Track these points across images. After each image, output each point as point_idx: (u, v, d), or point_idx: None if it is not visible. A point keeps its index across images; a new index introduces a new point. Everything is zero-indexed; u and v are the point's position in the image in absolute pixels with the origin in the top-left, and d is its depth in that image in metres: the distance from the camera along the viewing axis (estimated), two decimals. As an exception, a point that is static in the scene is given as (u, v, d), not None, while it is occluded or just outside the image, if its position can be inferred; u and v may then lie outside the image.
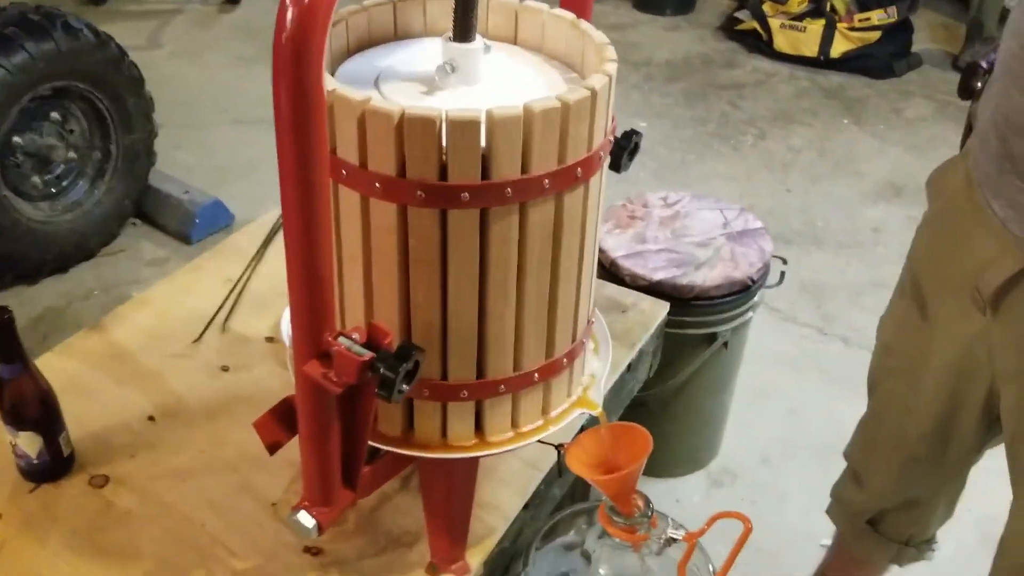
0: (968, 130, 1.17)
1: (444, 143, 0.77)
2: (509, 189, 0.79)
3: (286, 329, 1.34)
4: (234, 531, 1.07)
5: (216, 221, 2.69)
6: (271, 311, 1.40)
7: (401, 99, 0.85)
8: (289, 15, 0.65)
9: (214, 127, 3.34)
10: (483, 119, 0.76)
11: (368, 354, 0.78)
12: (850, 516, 1.48)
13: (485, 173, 0.78)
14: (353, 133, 0.78)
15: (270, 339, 1.36)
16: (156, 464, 1.15)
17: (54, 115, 2.39)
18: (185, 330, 1.36)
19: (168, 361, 1.31)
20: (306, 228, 0.74)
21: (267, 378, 1.29)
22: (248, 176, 3.03)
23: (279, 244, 1.55)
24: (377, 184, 0.79)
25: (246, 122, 3.37)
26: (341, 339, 0.80)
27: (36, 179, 2.41)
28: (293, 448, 0.96)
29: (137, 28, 4.04)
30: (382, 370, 0.78)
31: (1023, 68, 0.95)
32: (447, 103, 0.79)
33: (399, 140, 0.77)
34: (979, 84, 1.13)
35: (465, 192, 0.79)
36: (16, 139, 2.32)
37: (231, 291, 1.44)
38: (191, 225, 2.64)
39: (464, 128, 0.76)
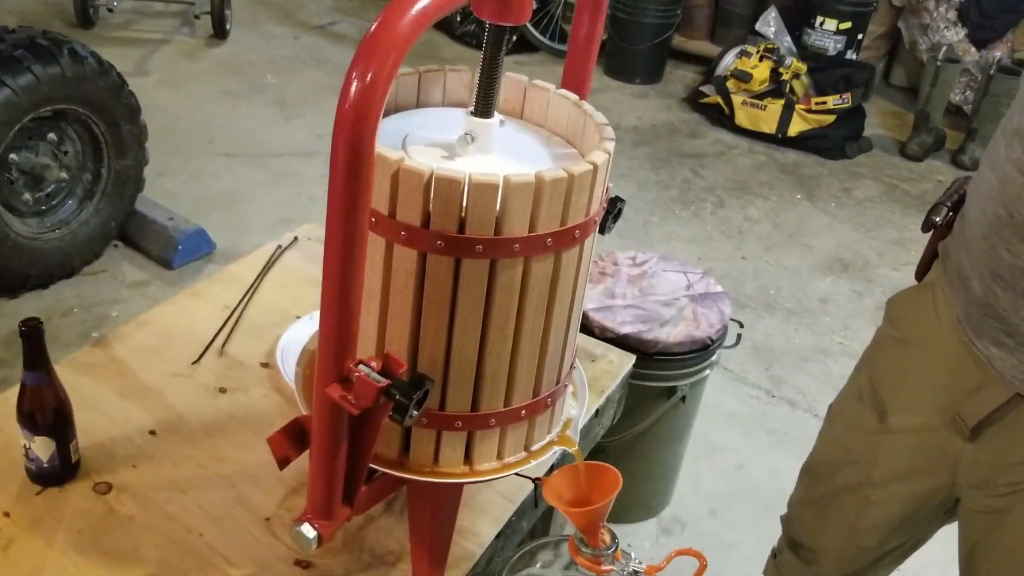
0: (929, 259, 1.24)
1: (465, 202, 0.88)
2: (517, 244, 0.90)
3: (281, 356, 1.43)
4: (230, 542, 1.14)
5: (198, 249, 2.77)
6: (266, 338, 1.49)
7: (426, 161, 0.96)
8: (353, 88, 0.76)
9: (199, 157, 3.42)
10: (501, 183, 0.87)
11: (385, 381, 0.88)
12: None
13: (497, 229, 0.89)
14: (387, 187, 0.89)
15: (265, 365, 1.44)
16: (157, 475, 1.22)
17: (51, 136, 2.47)
18: (184, 351, 1.44)
19: (169, 380, 1.39)
20: (344, 267, 0.84)
21: (262, 401, 1.37)
22: (230, 207, 3.11)
23: (273, 275, 1.65)
24: (403, 232, 0.90)
25: (230, 155, 3.46)
26: (361, 366, 0.90)
27: (27, 196, 2.48)
28: (286, 469, 1.05)
29: (124, 55, 4.11)
30: (397, 396, 0.88)
31: (1012, 233, 1.03)
32: (467, 167, 0.90)
33: (426, 196, 0.88)
34: (940, 221, 1.20)
35: (479, 244, 0.90)
36: (12, 156, 2.39)
37: (229, 317, 1.52)
38: (173, 251, 2.71)
39: (484, 190, 0.87)
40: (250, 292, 1.59)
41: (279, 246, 1.72)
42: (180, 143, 3.46)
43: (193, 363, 1.43)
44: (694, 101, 4.43)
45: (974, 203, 1.12)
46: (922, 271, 1.26)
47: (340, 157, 0.78)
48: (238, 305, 1.55)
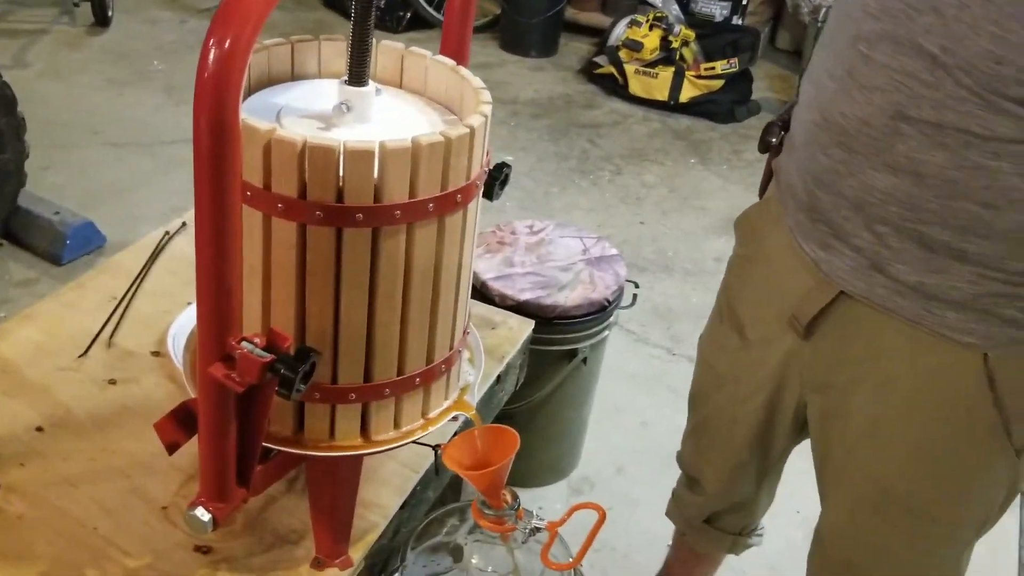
0: (767, 179, 1.32)
1: (341, 170, 0.88)
2: (398, 211, 0.90)
3: (172, 342, 1.40)
4: (126, 532, 1.12)
5: (87, 243, 2.67)
6: (155, 327, 1.45)
7: (301, 131, 0.95)
8: (211, 56, 0.74)
9: (85, 149, 3.29)
10: (377, 150, 0.87)
11: (269, 356, 0.87)
12: (688, 517, 1.62)
13: (377, 197, 0.89)
14: (259, 159, 0.88)
15: (156, 353, 1.41)
16: (46, 472, 1.19)
17: (-82, 133, 2.34)
18: (71, 345, 1.40)
19: (55, 374, 1.34)
20: (218, 244, 0.82)
21: (154, 390, 1.34)
22: (119, 198, 3.01)
23: (162, 263, 1.61)
24: (280, 205, 0.89)
25: (118, 144, 3.34)
26: (244, 343, 0.88)
27: None
28: (181, 455, 1.03)
29: (1, 47, 3.93)
30: (282, 370, 0.87)
31: (827, 137, 1.09)
32: (344, 137, 0.90)
33: (301, 166, 0.87)
34: (775, 140, 1.27)
35: (359, 213, 0.89)
36: None
37: (116, 307, 1.48)
38: (62, 246, 2.61)
39: (360, 157, 0.87)
40: (138, 281, 1.55)
41: (167, 233, 1.68)
42: (64, 135, 3.32)
43: (80, 356, 1.38)
44: (589, 72, 4.47)
45: (797, 117, 1.19)
46: (763, 190, 1.33)
47: (203, 129, 0.77)
48: (125, 294, 1.51)
